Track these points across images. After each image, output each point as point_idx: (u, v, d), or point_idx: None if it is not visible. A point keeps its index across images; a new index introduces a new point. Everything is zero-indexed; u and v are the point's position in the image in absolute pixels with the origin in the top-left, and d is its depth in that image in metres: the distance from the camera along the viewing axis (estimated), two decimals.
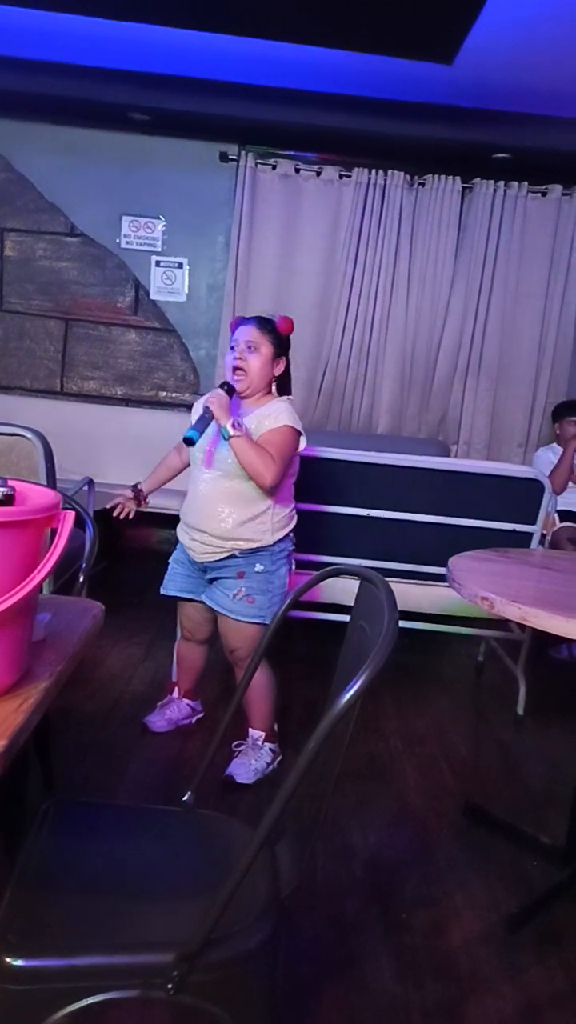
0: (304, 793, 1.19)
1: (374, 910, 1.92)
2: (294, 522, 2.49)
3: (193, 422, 2.27)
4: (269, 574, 2.39)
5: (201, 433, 2.26)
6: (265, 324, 2.38)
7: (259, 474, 2.26)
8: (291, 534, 2.47)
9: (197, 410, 2.38)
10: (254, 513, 2.35)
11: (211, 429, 2.32)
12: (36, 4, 3.32)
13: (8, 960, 1.00)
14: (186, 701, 2.73)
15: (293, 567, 2.52)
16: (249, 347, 2.35)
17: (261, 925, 1.10)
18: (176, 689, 2.74)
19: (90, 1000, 1.01)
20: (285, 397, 2.44)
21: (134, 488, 2.65)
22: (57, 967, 1.03)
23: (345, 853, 2.13)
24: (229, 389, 2.35)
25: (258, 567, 2.38)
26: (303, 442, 2.39)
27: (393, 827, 2.28)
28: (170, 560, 2.59)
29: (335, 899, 1.94)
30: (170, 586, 2.56)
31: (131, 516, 2.62)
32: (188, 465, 2.55)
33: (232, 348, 2.40)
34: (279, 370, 2.41)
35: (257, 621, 2.37)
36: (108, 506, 2.65)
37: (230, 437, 2.24)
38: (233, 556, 2.37)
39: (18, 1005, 1.00)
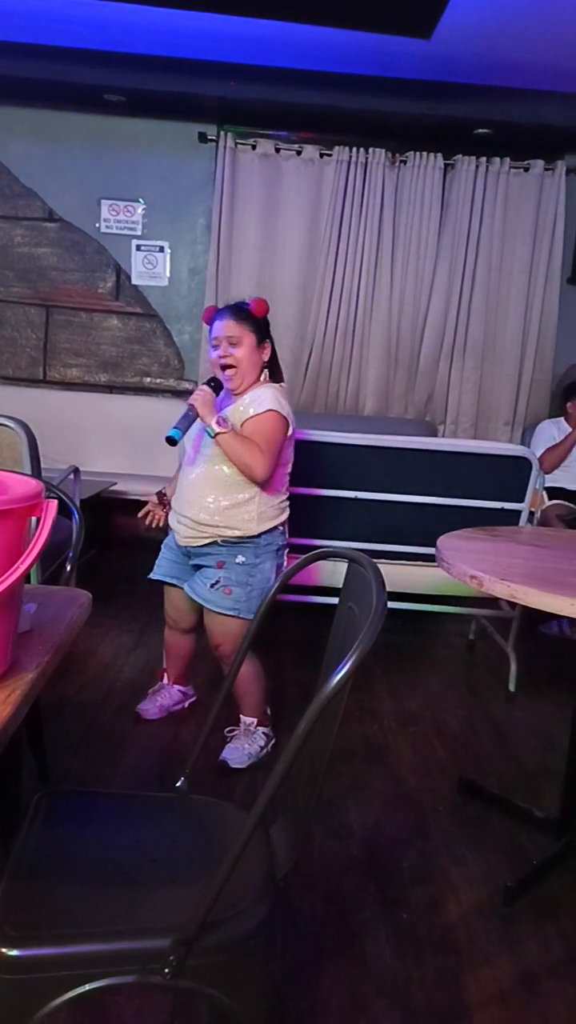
0: (298, 774, 1.19)
1: (371, 888, 1.93)
2: (285, 514, 2.43)
3: (176, 421, 2.25)
4: (250, 567, 2.35)
5: (184, 432, 2.25)
6: (240, 313, 2.32)
7: (248, 468, 2.24)
8: (282, 527, 2.41)
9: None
10: (238, 500, 2.32)
11: (196, 425, 2.30)
12: None
13: (4, 950, 1.00)
14: (177, 687, 2.73)
15: (284, 563, 2.45)
16: (231, 342, 2.30)
17: (258, 907, 1.11)
18: (165, 676, 2.73)
19: (88, 987, 1.01)
20: (275, 384, 2.38)
21: (159, 495, 2.61)
22: (54, 955, 1.03)
23: (341, 832, 2.14)
24: (216, 385, 2.31)
25: (239, 558, 2.34)
26: (291, 427, 2.35)
27: (388, 805, 2.30)
28: (162, 545, 2.58)
29: (332, 878, 1.96)
30: (157, 571, 2.55)
31: (161, 524, 2.58)
32: None
33: (213, 345, 2.34)
34: (266, 355, 2.37)
35: (231, 614, 2.35)
36: (140, 515, 2.62)
37: (216, 435, 2.22)
38: (215, 543, 2.35)
39: (16, 994, 1.00)
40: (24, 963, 1.01)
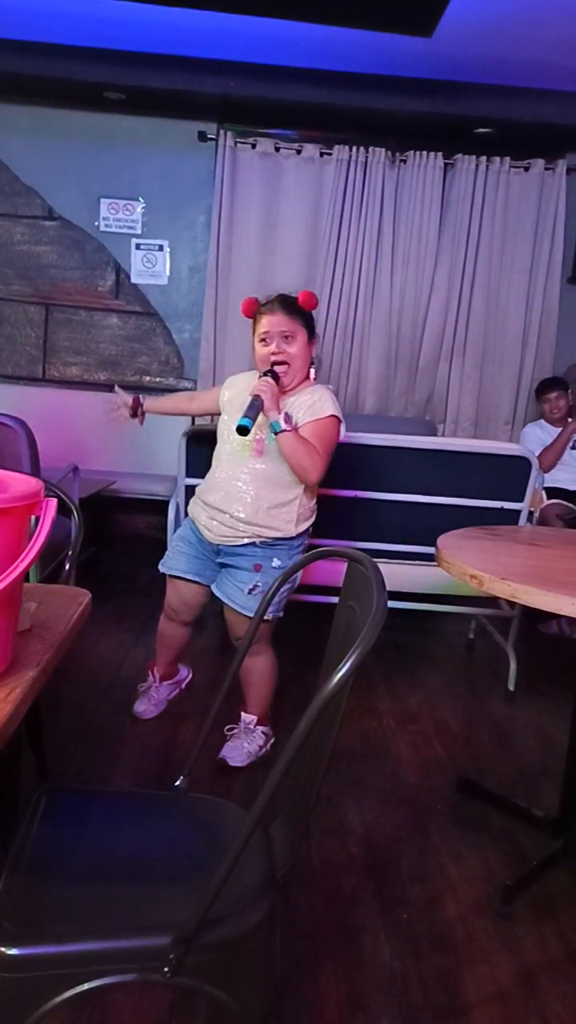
0: (297, 773, 1.19)
1: (370, 886, 1.93)
2: (315, 515, 2.41)
3: (244, 410, 2.15)
4: (285, 570, 2.32)
5: (254, 421, 2.14)
6: (292, 307, 2.25)
7: (305, 470, 2.20)
8: (310, 528, 2.41)
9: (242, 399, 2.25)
10: (284, 500, 2.27)
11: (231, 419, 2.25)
12: None
13: (3, 949, 1.00)
14: (165, 682, 2.72)
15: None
16: (285, 337, 2.23)
17: (257, 905, 1.11)
18: (152, 673, 2.70)
19: (87, 986, 1.01)
20: (324, 385, 2.33)
21: (136, 398, 2.52)
22: (53, 954, 1.03)
23: (340, 831, 2.14)
24: (275, 376, 2.22)
25: (275, 562, 2.29)
26: (343, 429, 2.31)
27: (387, 804, 2.30)
28: (174, 538, 2.52)
29: (332, 876, 1.96)
30: (172, 564, 2.46)
31: (123, 421, 2.51)
32: (192, 414, 2.44)
33: (263, 340, 2.26)
34: (315, 352, 2.32)
35: (267, 617, 2.34)
36: (105, 409, 2.53)
37: (280, 431, 2.15)
38: (253, 544, 2.29)
39: (15, 993, 1.00)
40: (23, 961, 1.01)
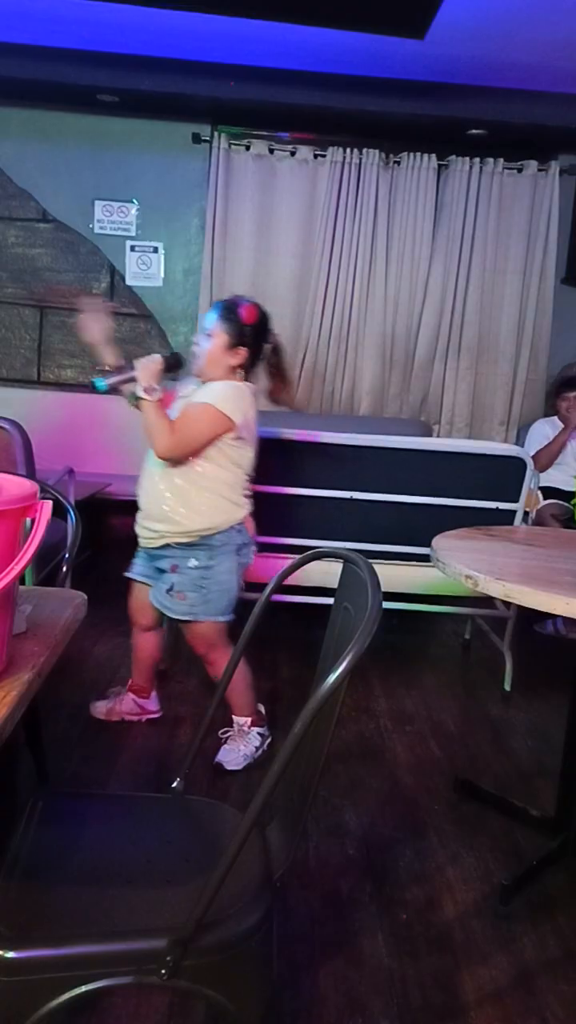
0: (293, 775, 1.19)
1: (368, 887, 1.93)
2: (241, 512, 2.38)
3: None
4: (204, 570, 2.32)
5: (109, 385, 2.27)
6: (227, 312, 2.34)
7: (151, 439, 2.27)
8: (238, 526, 2.38)
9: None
10: (192, 500, 2.31)
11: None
12: None
13: (1, 952, 1.00)
14: (131, 695, 2.65)
15: (247, 559, 2.43)
16: (206, 334, 2.34)
17: (254, 907, 1.11)
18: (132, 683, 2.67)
19: (84, 988, 1.01)
20: (242, 383, 2.34)
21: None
22: (50, 957, 1.03)
23: (338, 832, 2.14)
24: (174, 362, 2.33)
25: (192, 562, 2.33)
26: (237, 428, 2.27)
27: (385, 805, 2.30)
28: None
29: (329, 878, 1.96)
30: (132, 568, 2.56)
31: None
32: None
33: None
34: (236, 360, 2.32)
35: (188, 619, 2.35)
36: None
37: (138, 400, 2.24)
38: (169, 547, 2.35)
39: (12, 997, 1.00)
40: (21, 965, 1.01)
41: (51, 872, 1.17)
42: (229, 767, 2.38)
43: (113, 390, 2.30)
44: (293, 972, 1.64)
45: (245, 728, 2.47)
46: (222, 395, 2.27)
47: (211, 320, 2.35)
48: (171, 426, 2.25)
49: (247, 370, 2.38)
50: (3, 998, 1.00)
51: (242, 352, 2.33)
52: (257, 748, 2.46)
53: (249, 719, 2.48)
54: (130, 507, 3.14)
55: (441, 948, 1.75)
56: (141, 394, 2.23)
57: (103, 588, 3.98)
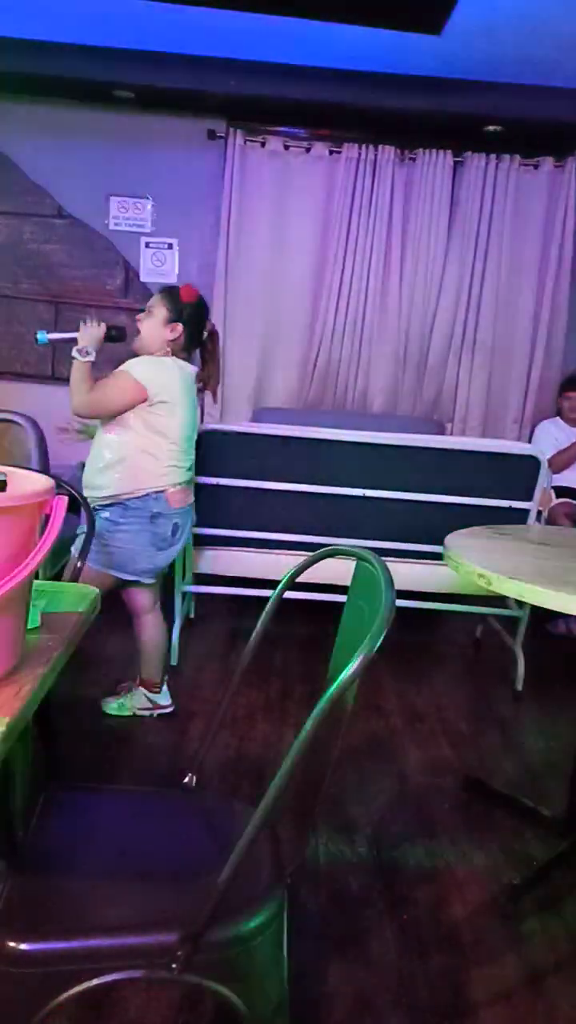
0: (304, 772, 1.19)
1: (377, 885, 1.93)
2: (163, 481, 2.47)
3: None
4: (111, 524, 2.46)
5: (50, 340, 2.50)
6: (167, 290, 2.52)
7: (71, 395, 2.43)
8: (156, 495, 2.47)
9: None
10: (109, 461, 2.45)
11: None
12: None
13: (13, 944, 1.01)
14: (142, 691, 2.69)
15: (162, 529, 2.49)
16: (147, 310, 2.51)
17: (265, 903, 1.11)
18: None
19: (96, 981, 1.01)
20: (163, 357, 2.49)
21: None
22: (62, 950, 1.03)
23: (348, 830, 2.15)
24: (117, 334, 2.53)
25: (104, 514, 2.47)
26: (150, 396, 2.40)
27: (395, 803, 2.30)
28: None
29: (339, 876, 1.96)
30: None
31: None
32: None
33: None
34: (173, 335, 2.48)
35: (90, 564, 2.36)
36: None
37: (73, 360, 2.43)
38: (96, 508, 2.47)
39: (24, 988, 1.01)
40: (33, 957, 1.01)
41: (63, 865, 1.18)
42: (105, 709, 2.66)
43: (53, 346, 2.59)
44: (303, 969, 1.65)
45: (135, 686, 2.67)
46: (139, 365, 2.44)
47: (152, 299, 2.52)
48: (91, 387, 2.41)
49: (187, 351, 2.54)
50: (16, 989, 1.01)
51: (178, 328, 2.48)
52: (141, 708, 2.65)
53: (137, 680, 2.66)
54: None
55: (450, 947, 1.75)
56: (74, 353, 2.43)
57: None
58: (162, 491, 2.47)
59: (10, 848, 1.21)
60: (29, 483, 1.06)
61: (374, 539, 3.08)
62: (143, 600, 2.62)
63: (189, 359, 2.56)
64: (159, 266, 4.77)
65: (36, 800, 1.31)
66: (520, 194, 4.58)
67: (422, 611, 3.32)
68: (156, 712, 2.67)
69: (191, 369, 2.55)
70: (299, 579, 1.38)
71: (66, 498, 1.01)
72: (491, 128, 4.30)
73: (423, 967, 1.68)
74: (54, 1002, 1.00)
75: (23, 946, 1.01)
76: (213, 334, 2.62)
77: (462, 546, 1.93)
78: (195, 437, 2.62)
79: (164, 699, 2.70)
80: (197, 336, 2.55)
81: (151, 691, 2.67)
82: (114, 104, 4.41)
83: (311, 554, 1.34)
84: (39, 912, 1.07)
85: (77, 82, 4.13)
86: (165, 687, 2.71)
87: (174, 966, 1.01)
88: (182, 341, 2.50)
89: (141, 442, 2.44)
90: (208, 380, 2.64)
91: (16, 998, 1.01)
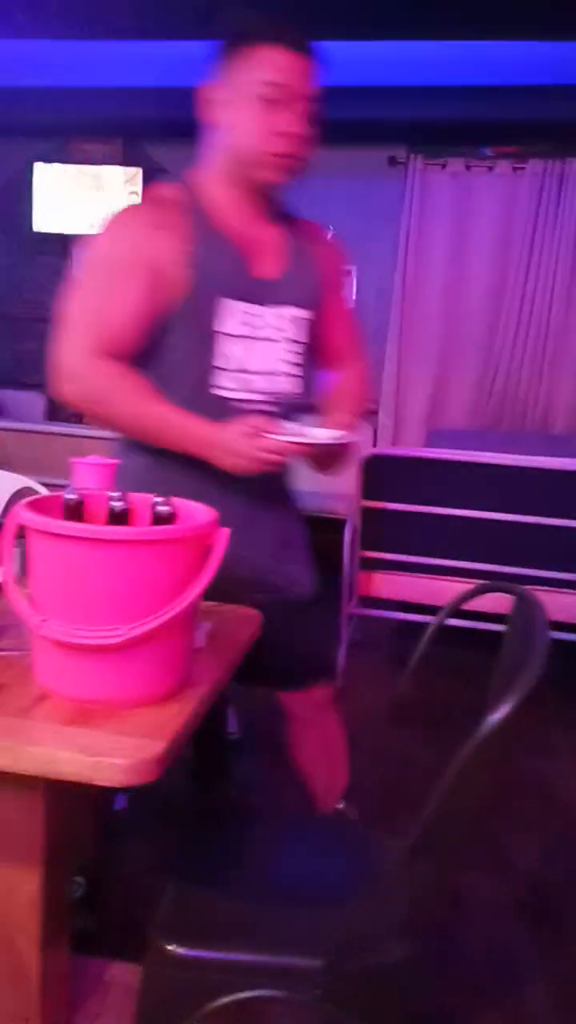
0: (456, 809, 1.17)
1: (533, 933, 1.85)
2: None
3: None
4: None
5: None
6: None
7: None
8: None
9: None
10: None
11: None
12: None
13: (174, 948, 1.07)
14: None
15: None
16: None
17: (405, 940, 1.11)
18: None
19: (245, 995, 1.06)
20: None
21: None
22: (218, 960, 1.08)
23: (505, 872, 2.06)
24: None
25: None
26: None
27: (557, 847, 2.18)
28: None
29: (492, 919, 1.89)
30: None
31: None
32: None
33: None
34: None
35: None
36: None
37: None
38: None
39: (177, 991, 1.07)
40: (187, 962, 1.07)
41: (220, 879, 1.24)
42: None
43: None
44: (446, 1012, 1.61)
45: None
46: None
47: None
48: None
49: None
50: (169, 992, 1.07)
51: None
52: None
53: None
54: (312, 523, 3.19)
55: None
56: None
57: None
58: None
59: (177, 859, 1.29)
60: (192, 513, 1.14)
61: (552, 570, 2.96)
62: None
63: None
64: None
65: (192, 819, 1.38)
66: None
67: None
68: None
69: None
70: (468, 607, 1.36)
71: (228, 530, 1.08)
72: None
73: None
74: (205, 1009, 1.06)
75: (183, 951, 1.07)
76: None
77: None
78: None
79: None
80: None
81: None
82: None
83: (474, 585, 1.33)
84: (196, 920, 1.13)
85: None
86: None
87: (318, 991, 1.04)
88: None
89: None
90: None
91: (172, 1000, 1.08)
